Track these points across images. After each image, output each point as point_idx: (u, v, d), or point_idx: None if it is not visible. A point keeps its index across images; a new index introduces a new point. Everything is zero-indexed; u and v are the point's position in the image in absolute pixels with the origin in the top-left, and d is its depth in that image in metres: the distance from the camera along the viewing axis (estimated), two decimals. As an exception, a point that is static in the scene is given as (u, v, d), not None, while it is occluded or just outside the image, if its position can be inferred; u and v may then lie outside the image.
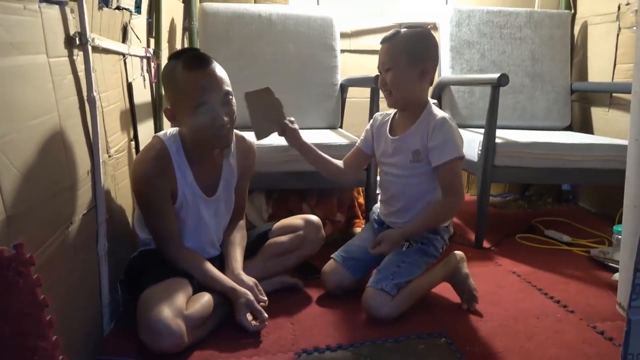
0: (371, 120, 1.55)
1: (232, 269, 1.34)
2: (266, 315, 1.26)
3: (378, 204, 1.60)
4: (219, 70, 1.26)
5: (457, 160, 1.35)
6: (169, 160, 1.28)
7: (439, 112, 1.39)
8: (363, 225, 1.98)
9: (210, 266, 1.31)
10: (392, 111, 1.49)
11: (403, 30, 1.38)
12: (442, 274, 1.44)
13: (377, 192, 1.73)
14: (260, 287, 1.33)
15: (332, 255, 1.51)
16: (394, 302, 1.32)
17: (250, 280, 1.32)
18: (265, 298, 1.31)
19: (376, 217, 1.57)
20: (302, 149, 1.49)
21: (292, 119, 1.47)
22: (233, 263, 1.36)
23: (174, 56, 1.28)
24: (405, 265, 1.37)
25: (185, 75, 1.22)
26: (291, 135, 1.46)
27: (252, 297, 1.26)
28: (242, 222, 1.52)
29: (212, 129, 1.25)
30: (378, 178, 1.64)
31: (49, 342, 0.69)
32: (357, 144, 1.57)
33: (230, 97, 1.28)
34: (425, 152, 1.37)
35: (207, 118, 1.23)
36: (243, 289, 1.27)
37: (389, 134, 1.45)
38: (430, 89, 2.48)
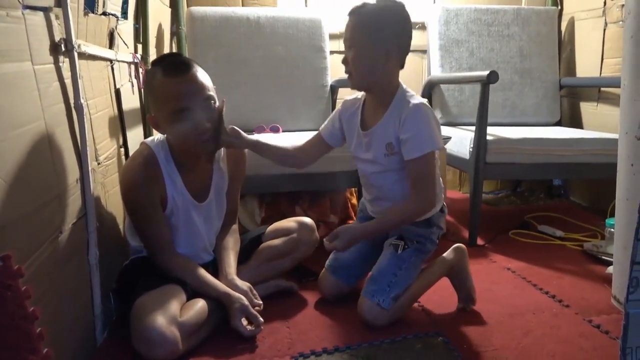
0: (339, 107, 1.40)
1: (226, 274, 1.33)
2: (261, 319, 1.25)
3: (363, 200, 1.50)
4: (200, 75, 1.23)
5: (427, 155, 1.22)
6: (157, 167, 1.27)
7: (413, 98, 1.25)
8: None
9: (203, 272, 1.30)
10: (362, 97, 1.35)
11: (371, 2, 1.25)
12: (440, 272, 1.39)
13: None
14: (254, 292, 1.32)
15: (325, 264, 1.48)
16: (391, 312, 1.28)
17: (244, 284, 1.31)
18: (260, 302, 1.30)
19: (361, 215, 1.50)
20: (255, 148, 1.37)
21: (232, 127, 1.32)
22: (226, 268, 1.35)
23: (155, 62, 1.26)
24: (402, 272, 1.30)
25: (164, 82, 1.20)
26: (240, 145, 1.34)
27: (246, 302, 1.25)
28: (235, 227, 1.50)
29: (194, 135, 1.22)
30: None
31: (39, 355, 0.68)
32: (319, 130, 1.43)
33: (213, 102, 1.25)
34: (397, 145, 1.25)
35: (188, 124, 1.20)
36: (237, 294, 1.26)
37: (360, 129, 1.33)
38: (420, 88, 2.50)
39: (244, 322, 1.24)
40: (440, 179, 1.36)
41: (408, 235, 1.36)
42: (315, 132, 2.13)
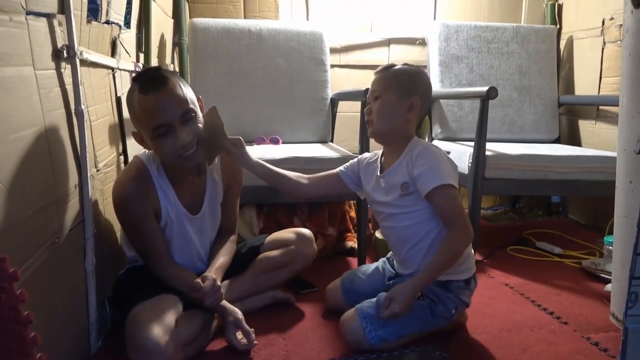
0: (359, 157, 1.47)
1: (206, 271, 1.29)
2: (254, 337, 1.23)
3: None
4: (178, 88, 1.18)
5: (447, 187, 1.21)
6: (149, 180, 1.25)
7: (424, 142, 1.32)
8: (354, 239, 1.97)
9: (199, 283, 1.28)
10: (380, 151, 1.41)
11: (398, 65, 1.34)
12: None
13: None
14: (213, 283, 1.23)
15: (342, 276, 1.47)
16: (371, 347, 1.22)
17: (212, 281, 1.23)
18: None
19: (387, 261, 1.46)
20: (254, 170, 1.37)
21: (238, 138, 1.33)
22: (210, 267, 1.32)
23: (134, 78, 1.23)
24: (404, 318, 1.21)
25: (140, 99, 1.17)
26: (238, 158, 1.34)
27: (240, 316, 1.24)
28: (234, 237, 1.48)
29: (174, 151, 1.19)
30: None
31: (33, 359, 0.67)
32: (338, 170, 1.47)
33: (193, 114, 1.21)
34: (413, 185, 1.26)
35: (168, 141, 1.18)
36: (232, 307, 1.25)
37: (378, 172, 1.37)
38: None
39: (239, 335, 1.23)
40: (472, 249, 1.33)
41: (425, 291, 1.27)
42: (315, 144, 2.14)
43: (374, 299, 1.26)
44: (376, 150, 1.44)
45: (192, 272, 1.32)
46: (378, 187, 1.36)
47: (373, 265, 1.49)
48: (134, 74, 1.66)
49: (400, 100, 1.28)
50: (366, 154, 1.46)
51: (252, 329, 1.25)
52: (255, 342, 1.23)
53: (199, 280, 1.22)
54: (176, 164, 1.24)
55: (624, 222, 1.31)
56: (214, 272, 1.29)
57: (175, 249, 1.33)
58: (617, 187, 1.34)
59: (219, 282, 1.24)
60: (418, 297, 1.24)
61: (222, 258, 1.37)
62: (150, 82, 1.17)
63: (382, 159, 1.39)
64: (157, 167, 1.28)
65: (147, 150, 1.30)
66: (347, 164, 1.48)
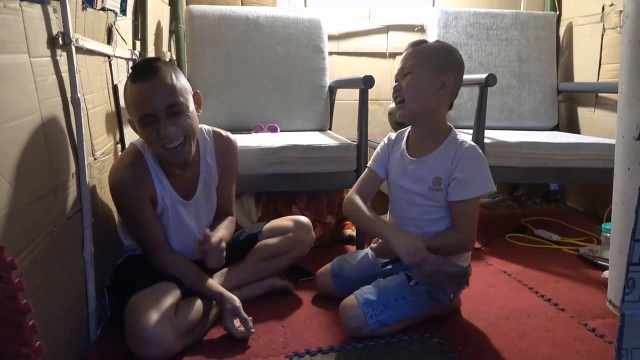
0: (385, 140, 1.40)
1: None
2: (251, 324, 1.24)
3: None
4: (169, 79, 1.17)
5: (477, 198, 1.21)
6: (145, 167, 1.26)
7: (467, 140, 1.27)
8: (353, 228, 1.97)
9: (198, 270, 1.29)
10: (407, 130, 1.35)
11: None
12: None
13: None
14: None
15: (332, 262, 1.47)
16: (372, 333, 1.22)
17: (219, 238, 1.26)
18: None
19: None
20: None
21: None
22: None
23: (132, 67, 1.23)
24: (403, 302, 1.23)
25: (130, 88, 1.18)
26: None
27: (238, 303, 1.24)
28: (232, 218, 1.48)
29: (158, 143, 1.18)
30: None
31: (31, 348, 0.67)
32: (368, 167, 1.40)
33: (183, 107, 1.19)
34: (446, 182, 1.22)
35: (153, 131, 1.17)
36: (230, 295, 1.26)
37: (407, 154, 1.30)
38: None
39: (237, 323, 1.24)
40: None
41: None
42: (313, 132, 2.13)
43: (370, 285, 1.27)
44: (402, 129, 1.38)
45: (190, 260, 1.32)
46: (405, 172, 1.29)
47: (362, 252, 1.48)
48: (131, 62, 1.65)
49: (433, 78, 1.22)
50: (392, 134, 1.40)
51: (250, 317, 1.25)
52: (253, 329, 1.24)
53: (221, 292, 1.24)
54: (162, 155, 1.24)
55: (622, 209, 1.31)
56: (215, 233, 1.30)
57: (172, 236, 1.33)
58: (615, 174, 1.34)
59: (224, 245, 1.25)
60: (416, 283, 1.24)
61: (223, 231, 1.36)
62: (142, 71, 1.17)
63: (409, 140, 1.32)
64: (152, 154, 1.28)
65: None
66: (374, 154, 1.40)
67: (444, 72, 1.22)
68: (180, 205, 1.32)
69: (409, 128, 1.35)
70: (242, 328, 1.23)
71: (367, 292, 1.25)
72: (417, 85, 1.22)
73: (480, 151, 1.26)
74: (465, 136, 1.31)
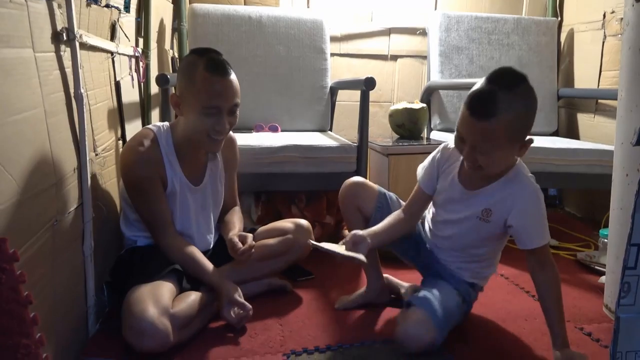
0: (437, 154, 1.28)
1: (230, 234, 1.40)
2: (249, 306, 1.26)
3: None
4: (235, 81, 1.29)
5: (548, 245, 1.16)
6: (157, 148, 1.31)
7: (529, 179, 1.16)
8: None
9: (202, 257, 1.32)
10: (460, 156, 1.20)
11: (491, 96, 1.03)
12: None
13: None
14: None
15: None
16: (438, 337, 1.14)
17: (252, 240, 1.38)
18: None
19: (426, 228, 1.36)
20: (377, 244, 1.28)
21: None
22: (232, 232, 1.42)
23: (197, 52, 1.30)
24: (452, 316, 1.21)
25: (204, 76, 1.24)
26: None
27: (234, 293, 1.26)
28: (238, 208, 1.57)
29: (210, 132, 1.28)
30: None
31: (32, 339, 0.68)
32: (418, 184, 1.31)
33: (237, 108, 1.31)
34: (497, 216, 1.16)
35: (210, 121, 1.26)
36: (228, 286, 1.27)
37: (458, 181, 1.22)
38: (419, 93, 2.52)
39: (235, 311, 1.26)
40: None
41: (462, 292, 1.27)
42: (313, 132, 2.14)
43: (431, 297, 1.19)
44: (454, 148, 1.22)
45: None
46: (453, 195, 1.22)
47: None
48: (133, 59, 1.66)
49: (512, 147, 1.08)
50: (447, 150, 1.27)
51: (250, 308, 1.27)
52: (251, 311, 1.26)
53: (220, 282, 1.29)
54: (199, 141, 1.31)
55: (619, 215, 1.32)
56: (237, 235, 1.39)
57: (177, 220, 1.36)
58: (613, 180, 1.35)
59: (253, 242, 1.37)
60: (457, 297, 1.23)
61: (238, 224, 1.48)
62: (220, 65, 1.26)
63: (464, 167, 1.20)
64: (166, 138, 1.33)
65: (157, 123, 1.36)
66: (424, 171, 1.30)
67: (523, 138, 1.08)
68: (188, 190, 1.36)
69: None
70: (240, 311, 1.25)
71: (437, 308, 1.16)
72: (498, 159, 1.09)
73: (541, 194, 1.15)
74: (527, 173, 1.19)
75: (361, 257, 1.19)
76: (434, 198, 1.30)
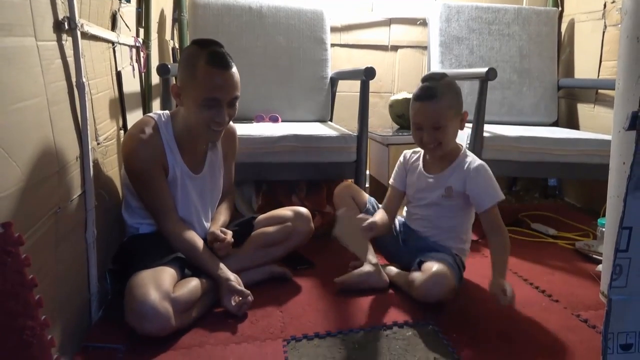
0: (401, 158, 1.59)
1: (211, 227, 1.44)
2: (248, 292, 1.29)
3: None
4: (236, 74, 1.31)
5: (496, 205, 1.40)
6: (158, 135, 1.32)
7: (474, 158, 1.45)
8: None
9: (203, 246, 1.34)
10: (420, 153, 1.54)
11: (429, 85, 1.38)
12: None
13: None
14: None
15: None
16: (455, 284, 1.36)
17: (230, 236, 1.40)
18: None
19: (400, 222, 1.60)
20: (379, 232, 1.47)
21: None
22: (214, 224, 1.46)
23: (199, 43, 1.31)
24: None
25: (205, 69, 1.25)
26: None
27: (233, 281, 1.29)
28: (231, 197, 1.61)
29: (210, 123, 1.30)
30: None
31: (37, 321, 0.69)
32: (391, 184, 1.59)
33: (237, 100, 1.33)
34: (457, 191, 1.42)
35: (210, 112, 1.28)
36: (227, 275, 1.29)
37: (423, 171, 1.50)
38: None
39: (235, 299, 1.28)
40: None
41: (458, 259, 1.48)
42: (314, 123, 2.14)
43: (435, 253, 1.43)
44: (416, 149, 1.56)
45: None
46: (421, 184, 1.50)
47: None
48: (134, 49, 1.66)
49: (457, 121, 1.41)
50: (407, 152, 1.59)
51: (249, 293, 1.30)
52: (250, 298, 1.29)
53: (220, 271, 1.32)
54: (199, 132, 1.33)
55: (616, 203, 1.33)
56: (215, 227, 1.43)
57: (178, 207, 1.37)
58: (610, 168, 1.36)
59: (229, 238, 1.39)
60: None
61: (223, 217, 1.50)
62: (221, 58, 1.27)
63: (425, 159, 1.51)
64: (167, 126, 1.35)
65: (158, 112, 1.38)
66: (394, 173, 1.59)
67: (460, 112, 1.41)
68: (188, 178, 1.38)
69: (421, 151, 1.52)
70: (239, 299, 1.27)
71: (433, 258, 1.39)
72: (450, 133, 1.40)
73: (488, 168, 1.42)
74: (471, 154, 1.48)
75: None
76: (407, 192, 1.56)
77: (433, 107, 1.36)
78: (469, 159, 1.44)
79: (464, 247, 1.51)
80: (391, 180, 1.59)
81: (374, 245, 1.55)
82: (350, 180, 1.86)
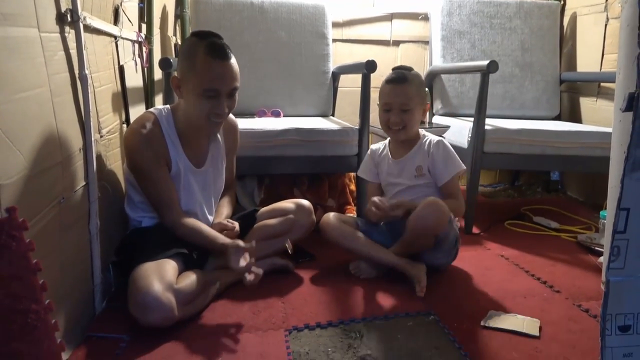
0: (369, 152, 1.69)
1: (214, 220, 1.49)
2: (260, 270, 1.29)
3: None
4: (235, 65, 1.31)
5: (457, 175, 1.53)
6: (160, 130, 1.34)
7: (433, 136, 1.58)
8: (354, 212, 2.00)
9: (207, 227, 1.36)
10: (385, 142, 1.66)
11: (401, 71, 1.52)
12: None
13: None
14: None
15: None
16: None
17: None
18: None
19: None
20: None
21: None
22: (217, 217, 1.51)
23: (197, 35, 1.33)
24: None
25: (204, 60, 1.26)
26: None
27: (240, 243, 1.28)
28: (232, 192, 1.64)
29: (209, 114, 1.31)
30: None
31: (41, 305, 0.71)
32: (367, 182, 1.69)
33: (236, 92, 1.34)
34: (426, 168, 1.54)
35: (209, 103, 1.29)
36: (232, 241, 1.30)
37: (391, 157, 1.61)
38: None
39: (244, 261, 1.26)
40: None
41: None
42: (315, 117, 2.15)
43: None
44: (379, 142, 1.69)
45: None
46: (392, 171, 1.61)
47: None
48: (137, 44, 1.67)
49: (421, 108, 1.55)
50: (373, 147, 1.70)
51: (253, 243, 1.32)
52: (261, 271, 1.29)
53: (226, 241, 1.32)
54: (200, 122, 1.33)
55: (617, 192, 1.33)
56: (221, 218, 1.49)
57: (182, 201, 1.39)
58: (611, 157, 1.35)
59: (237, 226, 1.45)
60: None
61: (226, 211, 1.54)
62: (220, 49, 1.28)
63: (391, 148, 1.63)
64: (168, 121, 1.36)
65: (159, 107, 1.39)
66: (365, 168, 1.69)
67: (424, 102, 1.56)
68: (191, 172, 1.39)
69: (385, 141, 1.67)
70: (250, 277, 1.25)
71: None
72: (415, 117, 1.53)
73: (446, 142, 1.56)
74: (430, 134, 1.62)
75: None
76: (382, 183, 1.65)
77: (403, 90, 1.49)
78: (427, 138, 1.57)
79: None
80: (362, 175, 1.69)
81: None
82: (346, 176, 1.87)
